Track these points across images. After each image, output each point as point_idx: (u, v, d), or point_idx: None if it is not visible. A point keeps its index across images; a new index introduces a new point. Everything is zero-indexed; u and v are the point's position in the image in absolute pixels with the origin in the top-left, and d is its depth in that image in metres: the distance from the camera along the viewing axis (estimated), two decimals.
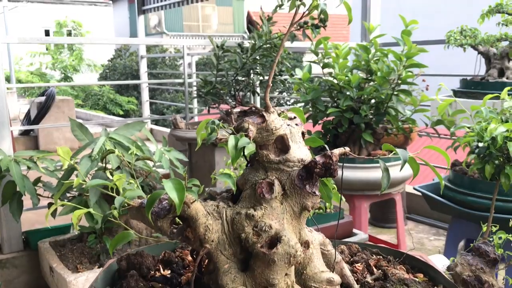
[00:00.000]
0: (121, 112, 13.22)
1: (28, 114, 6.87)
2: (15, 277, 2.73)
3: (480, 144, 1.51)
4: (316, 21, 2.58)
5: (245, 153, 0.84)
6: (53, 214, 2.42)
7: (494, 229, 1.60)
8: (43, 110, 6.38)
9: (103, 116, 10.05)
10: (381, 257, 1.03)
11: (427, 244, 3.51)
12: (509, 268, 1.59)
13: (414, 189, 2.43)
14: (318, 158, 0.78)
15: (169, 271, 0.96)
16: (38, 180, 2.40)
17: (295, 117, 0.91)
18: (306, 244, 0.82)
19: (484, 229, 1.55)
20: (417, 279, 0.89)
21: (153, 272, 0.95)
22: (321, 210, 2.15)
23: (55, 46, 16.22)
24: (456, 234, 2.26)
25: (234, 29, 20.73)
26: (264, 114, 0.79)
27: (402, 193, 2.96)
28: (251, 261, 0.77)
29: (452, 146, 2.15)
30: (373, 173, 2.65)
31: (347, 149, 0.84)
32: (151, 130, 7.62)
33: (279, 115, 0.85)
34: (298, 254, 0.74)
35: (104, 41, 6.89)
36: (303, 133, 0.87)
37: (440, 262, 1.58)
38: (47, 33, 17.45)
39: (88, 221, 2.17)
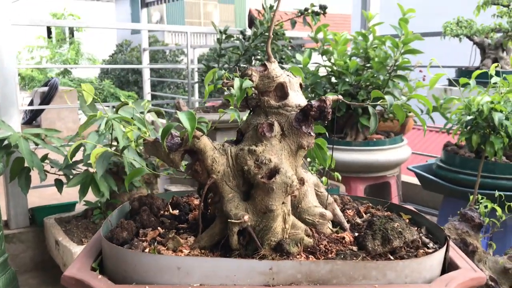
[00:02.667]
0: None
1: (31, 104, 6.94)
2: (21, 252, 2.82)
3: (468, 117, 1.60)
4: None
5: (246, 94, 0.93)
6: (60, 190, 2.51)
7: (480, 199, 1.69)
8: (46, 99, 6.46)
9: (105, 105, 10.13)
10: (370, 204, 1.12)
11: None
12: (494, 235, 1.69)
13: (408, 169, 2.53)
14: (313, 102, 0.87)
15: (177, 211, 1.05)
16: (45, 157, 2.49)
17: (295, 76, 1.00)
18: (301, 181, 0.91)
19: (471, 198, 1.65)
20: (401, 217, 0.98)
21: (163, 212, 1.04)
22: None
23: (56, 40, 16.25)
24: (447, 212, 2.35)
25: (235, 27, 20.81)
26: (266, 63, 0.89)
27: (397, 177, 3.05)
28: (252, 191, 0.86)
29: (444, 127, 2.25)
30: (369, 156, 2.74)
31: (340, 96, 0.93)
32: (152, 122, 7.70)
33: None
34: (294, 184, 0.83)
35: (109, 26, 7.02)
36: (300, 84, 0.96)
37: None
38: (48, 30, 17.47)
39: (95, 194, 2.27)
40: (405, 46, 2.68)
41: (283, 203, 0.85)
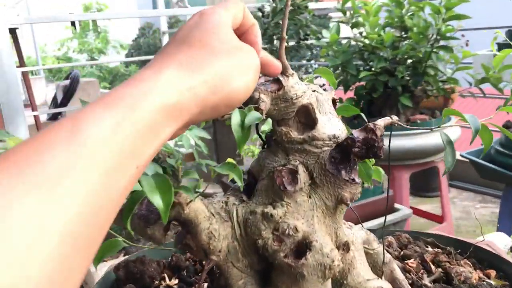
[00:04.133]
0: None
1: (54, 98, 6.83)
2: None
3: None
4: None
5: (259, 132, 0.65)
6: None
7: None
8: (68, 93, 6.32)
9: None
10: (439, 250, 0.83)
11: (473, 213, 3.27)
12: None
13: (462, 156, 2.19)
14: (356, 133, 0.58)
15: (176, 280, 0.79)
16: None
17: (323, 84, 0.71)
18: (345, 247, 0.62)
19: None
20: (490, 281, 0.69)
21: (157, 282, 0.78)
22: None
23: (81, 29, 16.24)
24: (510, 205, 2.02)
25: (258, 1, 20.24)
26: (281, 78, 0.59)
27: None
28: (272, 274, 0.59)
29: (505, 104, 1.89)
30: (413, 141, 2.41)
31: (395, 118, 0.63)
32: None
33: (301, 79, 0.64)
34: (335, 264, 0.55)
35: (120, 16, 6.73)
36: (333, 101, 0.66)
37: (501, 242, 1.36)
38: (72, 22, 17.39)
39: None
40: (448, 11, 2.31)
41: None
